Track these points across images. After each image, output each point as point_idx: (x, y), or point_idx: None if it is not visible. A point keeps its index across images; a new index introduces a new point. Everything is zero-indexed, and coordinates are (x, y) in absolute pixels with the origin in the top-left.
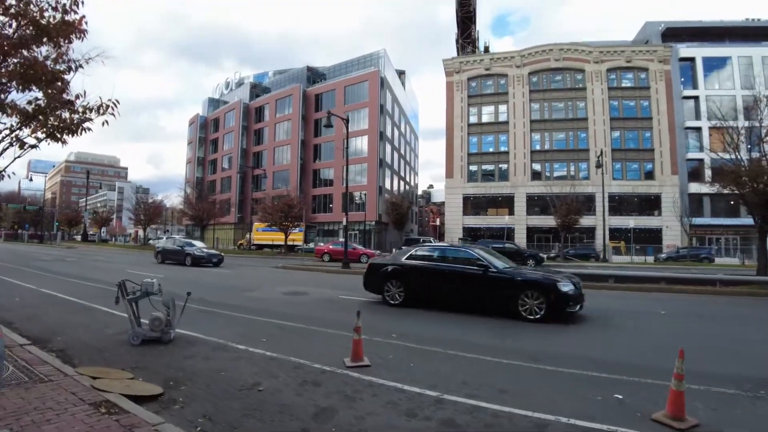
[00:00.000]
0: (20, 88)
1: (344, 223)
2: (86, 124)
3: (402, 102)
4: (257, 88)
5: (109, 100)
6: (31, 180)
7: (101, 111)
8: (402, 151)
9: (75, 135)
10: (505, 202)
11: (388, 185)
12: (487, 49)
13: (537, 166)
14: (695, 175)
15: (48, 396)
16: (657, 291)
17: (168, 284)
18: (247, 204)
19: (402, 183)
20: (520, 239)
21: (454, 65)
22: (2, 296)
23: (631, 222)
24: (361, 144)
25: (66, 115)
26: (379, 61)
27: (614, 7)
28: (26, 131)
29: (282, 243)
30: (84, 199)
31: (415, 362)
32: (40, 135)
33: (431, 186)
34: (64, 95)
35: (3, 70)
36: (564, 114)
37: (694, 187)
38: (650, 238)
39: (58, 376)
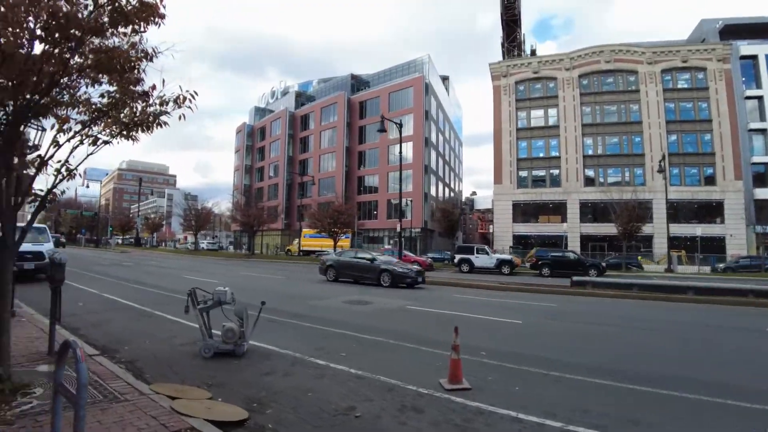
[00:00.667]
0: (91, 80)
1: (398, 229)
2: (163, 118)
3: (446, 107)
4: (302, 97)
5: (187, 91)
6: (87, 187)
7: (179, 103)
8: (447, 158)
9: (150, 130)
10: (557, 209)
11: (433, 192)
12: (533, 53)
13: (590, 172)
14: (761, 179)
15: (127, 420)
16: (744, 305)
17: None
18: (294, 210)
19: (447, 189)
20: (573, 247)
21: (501, 69)
22: (67, 301)
23: (697, 230)
24: (405, 150)
25: (140, 108)
26: (423, 66)
27: (661, 8)
28: (96, 128)
29: (331, 249)
30: (136, 205)
31: (515, 383)
32: (114, 130)
33: (474, 193)
34: (138, 87)
35: (75, 61)
36: (617, 117)
37: (761, 193)
38: (711, 247)
39: (133, 394)
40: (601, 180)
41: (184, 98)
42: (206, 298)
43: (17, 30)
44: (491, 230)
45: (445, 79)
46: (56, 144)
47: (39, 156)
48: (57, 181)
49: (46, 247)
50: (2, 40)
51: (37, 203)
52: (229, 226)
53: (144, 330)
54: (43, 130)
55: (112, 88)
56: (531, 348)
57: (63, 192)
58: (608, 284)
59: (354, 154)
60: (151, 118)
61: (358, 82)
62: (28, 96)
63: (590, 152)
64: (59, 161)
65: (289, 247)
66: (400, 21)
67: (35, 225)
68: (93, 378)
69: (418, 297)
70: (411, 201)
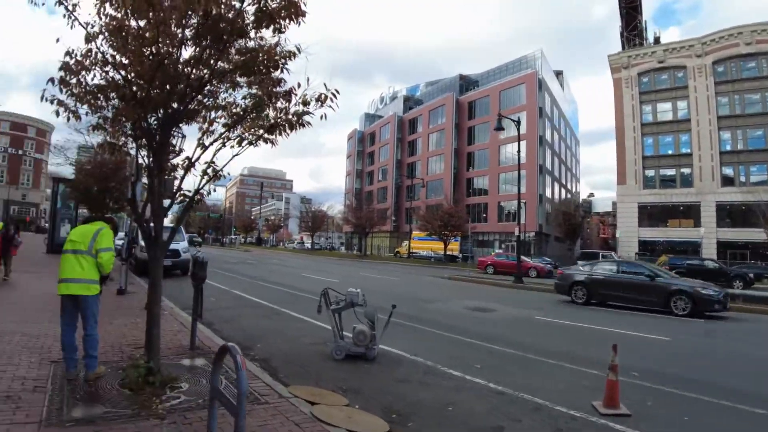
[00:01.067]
0: (232, 84)
1: (516, 233)
2: (306, 118)
3: (561, 104)
4: (410, 101)
5: (328, 90)
6: (214, 191)
7: (321, 102)
8: (562, 157)
9: (293, 130)
10: (689, 212)
11: (548, 193)
12: (657, 40)
13: (728, 170)
14: None
15: (271, 426)
16: None
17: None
18: (402, 213)
19: (563, 191)
20: (709, 255)
21: (621, 60)
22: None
23: None
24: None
25: (283, 108)
26: (535, 62)
27: None
28: (239, 130)
29: (440, 252)
30: (257, 207)
31: (682, 412)
32: (256, 132)
33: (591, 194)
34: (280, 87)
35: (219, 65)
36: (761, 107)
37: None
38: None
39: (272, 396)
40: (742, 179)
41: (326, 97)
42: (338, 299)
43: (174, 32)
44: (613, 235)
45: (558, 74)
46: (202, 146)
47: (187, 158)
48: (204, 182)
49: (182, 245)
50: (160, 47)
51: (185, 203)
52: (340, 227)
53: (273, 327)
54: (183, 136)
55: (253, 91)
56: (691, 370)
57: (209, 192)
58: (764, 299)
59: (463, 155)
60: (294, 119)
61: (466, 82)
62: (176, 102)
63: (728, 148)
64: (206, 162)
65: (398, 249)
66: (507, 17)
67: (170, 225)
68: (233, 377)
69: (543, 306)
70: (525, 203)
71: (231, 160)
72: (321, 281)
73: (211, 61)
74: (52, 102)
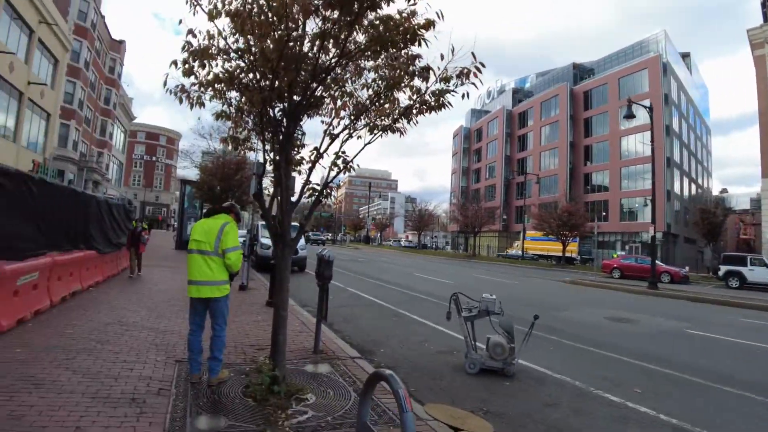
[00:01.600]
0: (359, 68)
1: (651, 233)
2: (447, 97)
3: (689, 89)
4: (519, 93)
5: (472, 63)
6: (337, 187)
7: (463, 79)
8: (692, 148)
9: (432, 112)
10: None
11: (676, 189)
12: None
13: None
14: None
15: None
16: None
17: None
18: (512, 212)
19: (692, 186)
20: None
21: (764, 34)
22: (315, 291)
23: None
24: (642, 141)
25: (421, 87)
26: (658, 44)
27: None
28: (363, 120)
29: (556, 254)
30: (365, 207)
31: None
32: (388, 116)
33: (724, 190)
34: (417, 63)
35: (348, 42)
36: None
37: None
38: None
39: None
40: None
41: (468, 72)
42: (471, 306)
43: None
44: (755, 235)
45: (685, 56)
46: (330, 136)
47: (315, 149)
48: (335, 173)
49: (299, 242)
50: (288, 20)
51: (313, 198)
52: (445, 226)
53: (393, 331)
54: (303, 133)
55: (380, 73)
56: None
57: (339, 185)
58: None
59: (579, 149)
60: (432, 99)
61: (580, 71)
62: (302, 88)
63: None
64: (335, 153)
65: (509, 250)
66: (620, 1)
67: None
68: (361, 388)
69: (691, 317)
70: (650, 200)
71: (363, 149)
72: (434, 282)
73: (342, 36)
74: (175, 94)
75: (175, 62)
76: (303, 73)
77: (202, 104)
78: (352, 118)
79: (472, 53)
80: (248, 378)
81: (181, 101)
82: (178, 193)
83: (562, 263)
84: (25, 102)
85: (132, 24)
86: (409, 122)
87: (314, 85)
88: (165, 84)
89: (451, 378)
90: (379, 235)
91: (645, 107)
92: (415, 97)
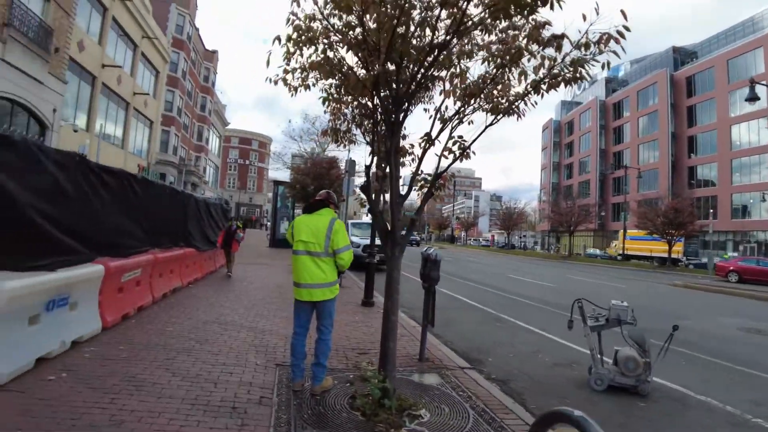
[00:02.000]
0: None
1: None
2: (585, 68)
3: None
4: (613, 83)
5: (612, 27)
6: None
7: (601, 46)
8: None
9: (566, 86)
10: None
11: None
12: None
13: None
14: None
15: None
16: None
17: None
18: (608, 209)
19: None
20: None
21: None
22: (410, 293)
23: None
24: (757, 129)
25: (552, 55)
26: None
27: None
28: (475, 102)
29: (660, 255)
30: (449, 206)
31: None
32: (510, 97)
33: None
34: (545, 30)
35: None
36: None
37: None
38: None
39: None
40: None
41: (609, 38)
42: (597, 314)
43: None
44: None
45: None
46: (442, 120)
47: (426, 134)
48: (450, 161)
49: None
50: None
51: (425, 190)
52: (533, 225)
53: (499, 338)
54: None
55: (498, 48)
56: None
57: (453, 175)
58: None
59: (682, 140)
60: (567, 71)
61: (681, 55)
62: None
63: None
64: (450, 138)
65: (606, 250)
66: None
67: (361, 221)
68: (479, 406)
69: None
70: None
71: (483, 131)
72: (532, 284)
73: (460, 3)
74: (276, 83)
75: (278, 38)
76: (413, 51)
77: (307, 86)
78: (466, 99)
79: (622, 11)
80: (353, 387)
81: (286, 83)
82: (270, 194)
83: (668, 265)
84: (131, 111)
85: (222, 35)
86: (539, 95)
87: (427, 63)
88: (268, 64)
89: (576, 396)
90: (463, 234)
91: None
92: (544, 69)
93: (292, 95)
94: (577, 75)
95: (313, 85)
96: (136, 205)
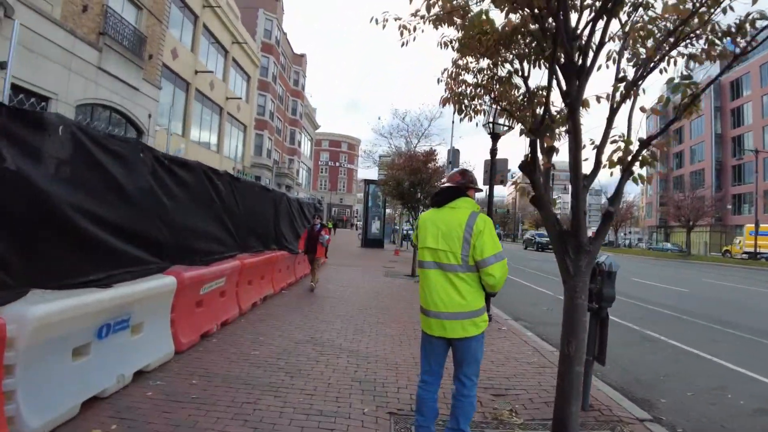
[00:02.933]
0: None
1: None
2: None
3: None
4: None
5: None
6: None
7: None
8: None
9: None
10: None
11: None
12: None
13: None
14: None
15: None
16: None
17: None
18: (728, 201)
19: None
20: None
21: None
22: (519, 300)
23: None
24: None
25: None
26: None
27: None
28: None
29: None
30: None
31: None
32: None
33: None
34: None
35: None
36: None
37: None
38: None
39: None
40: None
41: None
42: None
43: None
44: None
45: None
46: (640, 65)
47: (622, 78)
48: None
49: None
50: None
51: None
52: (636, 221)
53: (661, 365)
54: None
55: None
56: None
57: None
58: None
59: None
60: None
61: None
62: None
63: None
64: (680, 77)
65: (728, 248)
66: None
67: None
68: None
69: None
70: None
71: (719, 77)
72: (664, 290)
73: None
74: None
75: None
76: None
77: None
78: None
79: None
80: None
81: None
82: (359, 194)
83: None
84: (224, 116)
85: (307, 38)
86: None
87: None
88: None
89: None
90: None
91: None
92: None
93: (404, 43)
94: None
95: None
96: (218, 205)
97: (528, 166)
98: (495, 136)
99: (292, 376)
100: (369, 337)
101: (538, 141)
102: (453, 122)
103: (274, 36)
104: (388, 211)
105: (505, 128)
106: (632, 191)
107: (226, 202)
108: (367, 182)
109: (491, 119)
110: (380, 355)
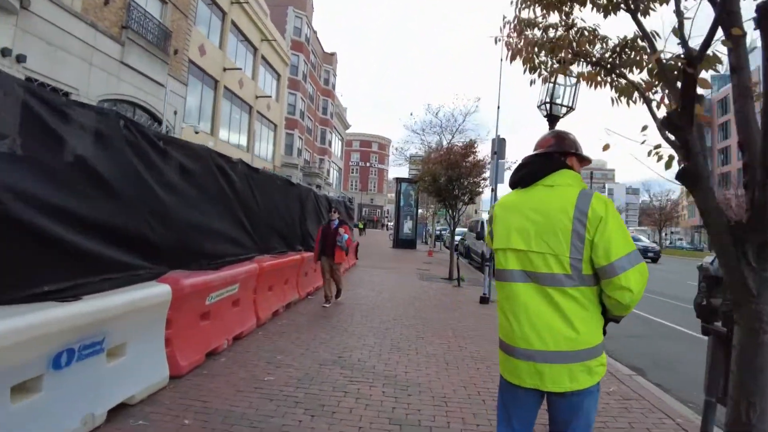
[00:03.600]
0: None
1: None
2: None
3: None
4: None
5: None
6: None
7: None
8: None
9: None
10: None
11: None
12: None
13: None
14: None
15: None
16: None
17: None
18: None
19: None
20: None
21: None
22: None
23: None
24: None
25: None
26: None
27: None
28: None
29: None
30: None
31: None
32: None
33: None
34: None
35: None
36: None
37: None
38: None
39: None
40: None
41: None
42: None
43: None
44: None
45: None
46: None
47: None
48: None
49: None
50: None
51: None
52: (676, 221)
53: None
54: None
55: None
56: None
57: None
58: None
59: None
60: None
61: None
62: None
63: None
64: None
65: None
66: None
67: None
68: None
69: None
70: None
71: None
72: None
73: None
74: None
75: None
76: None
77: None
78: None
79: None
80: None
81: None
82: (390, 195)
83: None
84: (254, 114)
85: (337, 36)
86: None
87: None
88: None
89: None
90: None
91: None
92: None
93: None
94: None
95: None
96: (231, 199)
97: (679, 119)
98: (552, 119)
99: (313, 414)
100: (408, 356)
101: (694, 78)
102: (498, 107)
103: (304, 34)
104: (420, 210)
105: (564, 110)
106: (675, 189)
107: (241, 195)
108: (399, 180)
109: (547, 99)
110: (423, 383)
